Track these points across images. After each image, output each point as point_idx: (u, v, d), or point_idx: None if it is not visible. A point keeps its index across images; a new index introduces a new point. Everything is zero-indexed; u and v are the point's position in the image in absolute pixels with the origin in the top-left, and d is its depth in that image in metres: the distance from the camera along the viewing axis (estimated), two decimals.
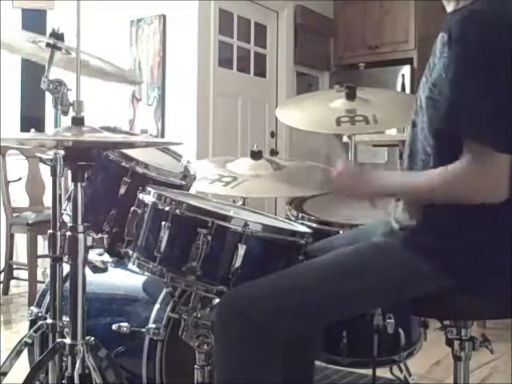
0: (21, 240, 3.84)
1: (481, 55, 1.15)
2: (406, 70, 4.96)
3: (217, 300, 1.46)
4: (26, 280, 3.63)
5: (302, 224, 1.74)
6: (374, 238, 1.35)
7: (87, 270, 1.46)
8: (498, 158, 1.15)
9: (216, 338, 1.32)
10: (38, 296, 1.95)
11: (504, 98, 1.15)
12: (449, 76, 1.18)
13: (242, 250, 1.34)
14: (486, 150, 1.15)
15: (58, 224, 1.68)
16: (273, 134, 4.92)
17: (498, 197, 1.17)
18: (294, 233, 1.44)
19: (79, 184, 1.38)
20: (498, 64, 1.15)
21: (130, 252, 1.47)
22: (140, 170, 1.64)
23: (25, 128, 4.57)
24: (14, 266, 3.87)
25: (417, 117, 1.33)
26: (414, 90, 4.86)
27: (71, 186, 1.40)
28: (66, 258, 1.44)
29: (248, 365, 1.24)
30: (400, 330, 1.78)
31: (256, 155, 2.06)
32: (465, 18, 1.20)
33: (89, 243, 1.40)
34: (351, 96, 2.12)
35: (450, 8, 1.34)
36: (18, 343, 1.79)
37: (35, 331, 1.77)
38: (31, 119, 4.73)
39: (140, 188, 1.51)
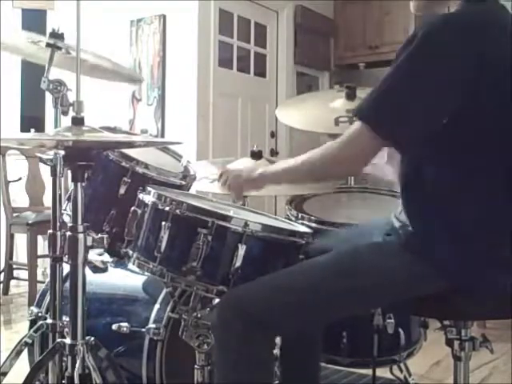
0: (21, 240, 3.84)
1: (422, 51, 1.19)
2: None
3: (217, 300, 1.46)
4: (26, 280, 3.63)
5: (302, 224, 1.74)
6: (375, 236, 1.36)
7: (87, 270, 1.46)
8: (369, 138, 1.21)
9: (216, 338, 1.32)
10: (38, 296, 1.95)
11: (424, 101, 1.18)
12: (397, 62, 1.23)
13: (242, 249, 1.34)
14: (363, 129, 1.21)
15: (58, 224, 1.68)
16: (273, 134, 4.92)
17: (352, 170, 1.29)
18: (293, 233, 1.44)
19: (79, 184, 1.38)
20: (433, 65, 1.18)
21: (130, 252, 1.47)
22: (140, 169, 1.64)
23: (25, 128, 4.56)
24: (14, 266, 3.87)
25: None
26: None
27: (71, 186, 1.40)
28: (65, 258, 1.44)
29: (248, 364, 1.24)
30: (400, 330, 1.78)
31: (256, 155, 2.06)
32: (439, 18, 1.25)
33: (89, 243, 1.40)
34: (351, 96, 2.12)
35: (443, 12, 1.35)
36: (18, 343, 1.79)
37: (35, 331, 1.77)
38: (31, 119, 4.73)
39: (140, 188, 1.51)
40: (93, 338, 1.45)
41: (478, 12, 1.24)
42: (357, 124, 1.23)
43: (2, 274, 3.87)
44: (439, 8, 1.34)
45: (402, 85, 1.21)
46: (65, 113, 1.69)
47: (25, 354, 1.84)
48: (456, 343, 1.38)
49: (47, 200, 3.77)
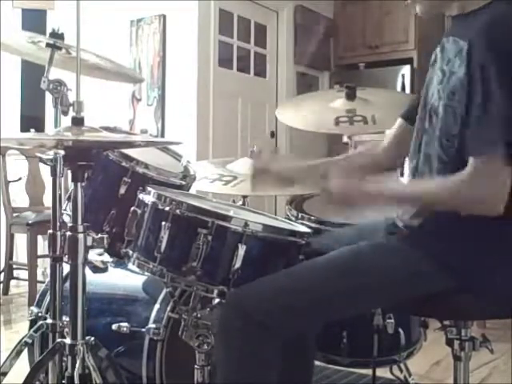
0: (21, 240, 3.84)
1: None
2: (406, 69, 4.96)
3: (217, 300, 1.46)
4: (26, 280, 3.63)
5: (302, 224, 1.74)
6: (377, 236, 1.35)
7: (87, 270, 1.46)
8: (501, 171, 1.14)
9: (218, 338, 1.32)
10: (38, 296, 1.94)
11: None
12: (480, 84, 1.16)
13: (242, 250, 1.34)
14: (492, 161, 1.14)
15: (58, 224, 1.68)
16: (273, 134, 4.92)
17: (495, 210, 1.16)
18: (294, 233, 1.44)
19: (79, 184, 1.38)
20: None
21: (130, 252, 1.47)
22: (140, 169, 1.64)
23: (25, 128, 4.56)
24: (14, 266, 3.87)
25: (430, 123, 1.32)
26: (413, 89, 4.85)
27: (71, 185, 1.40)
28: (65, 258, 1.44)
29: (250, 364, 1.24)
30: (400, 330, 1.78)
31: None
32: (489, 25, 1.18)
33: (89, 243, 1.39)
34: (351, 96, 2.12)
35: (453, 12, 1.32)
36: (18, 343, 1.79)
37: (35, 331, 1.77)
38: (31, 119, 4.72)
39: (140, 188, 1.51)
40: (93, 338, 1.45)
41: None
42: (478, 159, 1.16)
43: (2, 274, 3.87)
44: (449, 9, 1.32)
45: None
46: (65, 113, 1.69)
47: (25, 354, 1.84)
48: (456, 343, 1.38)
49: (47, 200, 3.77)
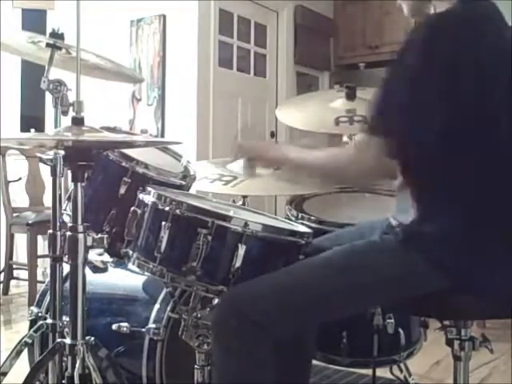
0: (21, 240, 3.84)
1: (416, 52, 1.20)
2: None
3: (217, 300, 1.46)
4: (26, 280, 3.63)
5: (302, 224, 1.74)
6: (374, 235, 1.36)
7: (87, 270, 1.46)
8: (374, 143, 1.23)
9: (215, 337, 1.32)
10: (38, 296, 1.94)
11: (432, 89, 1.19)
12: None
13: (242, 250, 1.34)
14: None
15: (58, 224, 1.68)
16: (273, 134, 4.92)
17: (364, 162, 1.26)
18: (294, 233, 1.44)
19: (79, 184, 1.38)
20: (429, 63, 1.19)
21: (130, 252, 1.47)
22: (140, 169, 1.64)
23: (25, 128, 4.56)
24: (14, 266, 3.87)
25: None
26: None
27: (71, 185, 1.40)
28: (65, 258, 1.44)
29: (246, 364, 1.24)
30: (400, 330, 1.78)
31: None
32: (425, 18, 1.26)
33: (89, 243, 1.40)
34: (351, 96, 2.12)
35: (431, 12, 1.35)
36: (18, 343, 1.79)
37: (35, 331, 1.77)
38: (31, 119, 4.72)
39: (140, 188, 1.51)
40: (93, 338, 1.45)
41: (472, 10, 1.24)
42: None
43: (2, 273, 3.87)
44: (428, 9, 1.34)
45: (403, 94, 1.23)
46: (65, 113, 1.69)
47: (25, 354, 1.84)
48: (456, 343, 1.38)
49: (47, 200, 3.77)
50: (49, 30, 1.76)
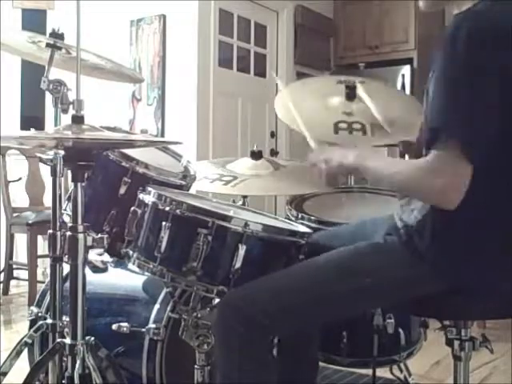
0: (21, 240, 3.84)
1: (469, 56, 1.14)
2: (406, 70, 4.96)
3: (217, 300, 1.46)
4: (26, 280, 3.63)
5: (302, 224, 1.74)
6: (377, 235, 1.35)
7: (87, 270, 1.46)
8: (461, 165, 1.14)
9: (217, 339, 1.32)
10: (37, 296, 1.94)
11: (490, 99, 1.14)
12: (436, 75, 1.18)
13: (242, 250, 1.34)
14: (454, 153, 1.13)
15: (58, 224, 1.67)
16: (273, 134, 4.92)
17: (450, 202, 1.16)
18: (294, 233, 1.44)
19: (79, 184, 1.38)
20: (485, 66, 1.14)
21: (130, 252, 1.47)
22: (140, 169, 1.64)
23: (25, 128, 4.56)
24: (14, 266, 3.87)
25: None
26: (413, 90, 4.86)
27: (71, 185, 1.40)
28: (66, 258, 1.44)
29: (249, 365, 1.24)
30: (400, 330, 1.78)
31: (256, 155, 2.05)
32: (460, 18, 1.20)
33: (89, 243, 1.39)
34: (351, 96, 2.12)
35: (453, 10, 1.33)
36: (18, 343, 1.79)
37: (35, 331, 1.77)
38: (31, 119, 4.72)
39: (140, 188, 1.51)
40: (93, 338, 1.45)
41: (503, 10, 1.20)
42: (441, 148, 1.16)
43: (2, 274, 3.87)
44: (449, 7, 1.33)
45: (476, 99, 1.14)
46: (65, 111, 1.69)
47: (25, 354, 1.84)
48: (456, 343, 1.38)
49: (47, 200, 3.77)
50: (49, 30, 1.76)
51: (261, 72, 4.89)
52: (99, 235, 1.43)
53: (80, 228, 1.39)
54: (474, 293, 1.24)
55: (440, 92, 1.17)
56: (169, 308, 1.64)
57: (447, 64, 1.16)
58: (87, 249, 1.39)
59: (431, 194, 1.19)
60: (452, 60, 1.15)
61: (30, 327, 1.82)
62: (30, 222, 3.56)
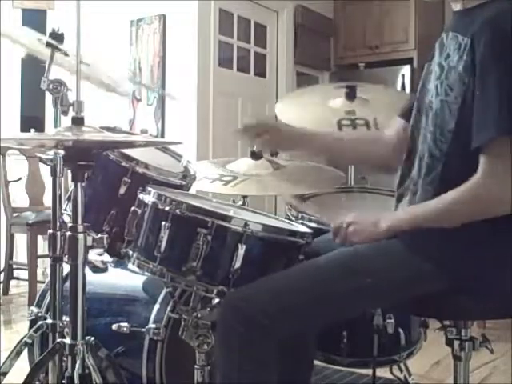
0: (21, 240, 3.84)
1: None
2: (406, 70, 4.96)
3: (217, 300, 1.46)
4: (26, 280, 3.63)
5: (302, 224, 1.74)
6: None
7: (87, 270, 1.46)
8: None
9: (218, 339, 1.32)
10: (37, 296, 1.94)
11: None
12: (484, 80, 1.16)
13: (242, 250, 1.34)
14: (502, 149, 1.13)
15: (58, 224, 1.67)
16: None
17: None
18: (294, 233, 1.44)
19: (79, 184, 1.38)
20: None
21: (130, 252, 1.47)
22: (140, 169, 1.64)
23: (25, 128, 4.57)
24: (14, 266, 3.87)
25: (426, 120, 1.32)
26: (414, 89, 4.85)
27: (71, 185, 1.40)
28: (65, 258, 1.44)
29: (250, 365, 1.24)
30: (400, 330, 1.78)
31: (256, 155, 2.05)
32: (491, 20, 1.18)
33: (89, 243, 1.39)
34: (351, 96, 2.12)
35: (457, 6, 1.32)
36: (18, 343, 1.79)
37: (35, 331, 1.77)
38: (31, 119, 4.73)
39: (140, 188, 1.51)
40: (93, 338, 1.45)
41: None
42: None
43: (2, 273, 3.87)
44: (454, 2, 1.32)
45: None
46: (65, 112, 1.69)
47: (25, 354, 1.84)
48: (456, 343, 1.38)
49: (47, 200, 3.77)
50: (49, 30, 1.76)
51: (261, 72, 4.89)
52: (99, 235, 1.43)
53: (80, 228, 1.38)
54: (474, 293, 1.24)
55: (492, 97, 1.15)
56: (169, 308, 1.64)
57: (493, 69, 1.15)
58: (87, 249, 1.39)
59: (496, 209, 1.19)
60: (499, 64, 1.15)
61: (30, 327, 1.81)
62: (30, 222, 3.56)
